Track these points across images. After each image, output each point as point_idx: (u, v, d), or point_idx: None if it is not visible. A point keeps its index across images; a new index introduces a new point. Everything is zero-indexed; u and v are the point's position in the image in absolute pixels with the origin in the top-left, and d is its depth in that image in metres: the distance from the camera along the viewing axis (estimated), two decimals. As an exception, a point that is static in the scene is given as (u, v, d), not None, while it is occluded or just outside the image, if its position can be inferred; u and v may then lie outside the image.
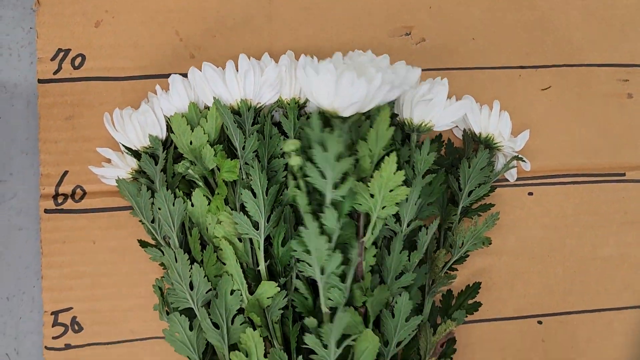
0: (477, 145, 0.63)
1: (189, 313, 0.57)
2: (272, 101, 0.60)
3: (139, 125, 0.59)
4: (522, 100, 0.67)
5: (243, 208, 0.57)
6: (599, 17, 0.69)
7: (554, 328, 0.66)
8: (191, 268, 0.56)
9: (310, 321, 0.54)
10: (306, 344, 0.54)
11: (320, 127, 0.53)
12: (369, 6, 0.67)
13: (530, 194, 0.67)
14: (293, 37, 0.66)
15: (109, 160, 0.61)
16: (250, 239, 0.58)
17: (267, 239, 0.58)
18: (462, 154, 0.65)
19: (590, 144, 0.68)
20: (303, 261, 0.55)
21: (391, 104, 0.59)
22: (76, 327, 0.62)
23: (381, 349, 0.57)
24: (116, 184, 0.59)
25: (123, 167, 0.60)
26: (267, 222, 0.57)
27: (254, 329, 0.55)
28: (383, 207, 0.55)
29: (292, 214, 0.58)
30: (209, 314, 0.56)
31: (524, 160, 0.63)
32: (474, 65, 0.67)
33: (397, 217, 0.58)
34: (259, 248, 0.57)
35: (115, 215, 0.63)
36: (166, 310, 0.58)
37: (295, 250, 0.55)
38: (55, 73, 0.64)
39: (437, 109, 0.58)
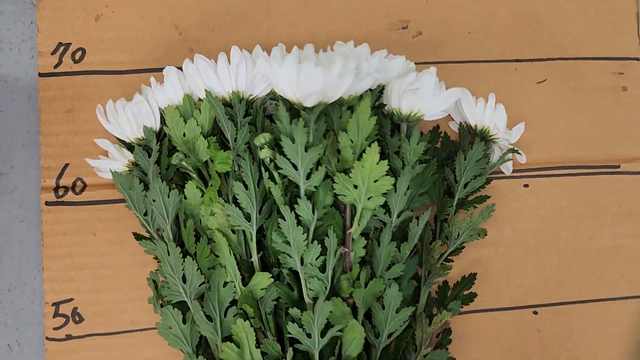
0: (473, 137, 0.64)
1: (182, 306, 0.57)
2: (264, 93, 0.60)
3: (132, 117, 0.59)
4: (517, 93, 0.68)
5: (235, 200, 0.57)
6: (594, 10, 0.70)
7: (549, 318, 0.66)
8: (184, 261, 0.56)
9: (294, 311, 0.55)
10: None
11: (288, 119, 0.54)
12: (367, 1, 0.68)
13: (526, 186, 0.67)
14: (291, 32, 0.67)
15: (107, 153, 0.62)
16: (244, 231, 0.58)
17: (260, 231, 0.58)
18: (458, 146, 0.65)
19: (585, 136, 0.68)
20: (284, 252, 0.55)
21: (375, 94, 0.59)
22: (77, 318, 0.63)
23: (372, 341, 0.57)
24: (111, 177, 0.59)
25: (120, 160, 0.61)
26: (259, 214, 0.57)
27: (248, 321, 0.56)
28: (369, 198, 0.56)
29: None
30: (202, 307, 0.56)
31: (519, 153, 0.64)
32: (470, 59, 0.68)
33: (387, 208, 0.58)
34: (252, 240, 0.57)
35: (115, 207, 0.63)
36: (160, 303, 0.58)
37: (276, 242, 0.55)
38: (55, 67, 0.64)
39: (425, 98, 0.58)
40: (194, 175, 0.58)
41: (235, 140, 0.58)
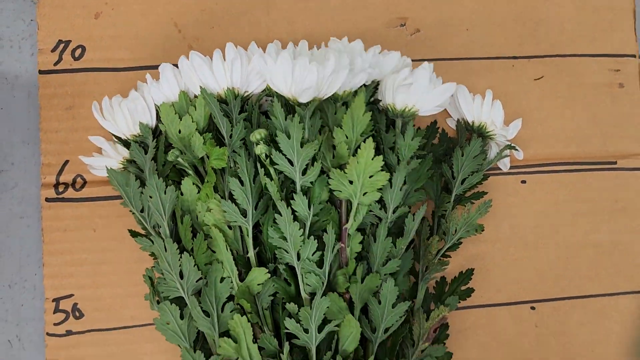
0: (471, 134, 0.64)
1: (180, 302, 0.57)
2: (259, 90, 0.60)
3: (128, 113, 0.59)
4: (515, 90, 0.68)
5: (231, 196, 0.57)
6: (591, 8, 0.70)
7: (546, 313, 0.67)
8: (181, 257, 0.56)
9: (291, 307, 0.55)
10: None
11: (283, 115, 0.55)
12: (365, -2, 0.68)
13: (523, 182, 0.68)
14: (290, 29, 0.67)
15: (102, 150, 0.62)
16: (240, 227, 0.58)
17: (257, 227, 0.58)
18: (455, 143, 0.66)
19: (582, 132, 0.69)
20: (281, 248, 0.56)
21: (370, 90, 0.60)
22: (77, 314, 0.63)
23: (369, 335, 0.58)
24: (106, 174, 0.59)
25: (114, 157, 0.61)
26: (255, 210, 0.57)
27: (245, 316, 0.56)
28: (364, 194, 0.56)
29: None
30: (200, 302, 0.57)
31: (516, 149, 0.64)
32: (467, 56, 0.68)
33: (382, 204, 0.59)
34: (248, 235, 0.57)
35: (115, 203, 0.64)
36: (157, 300, 0.59)
37: (273, 237, 0.56)
38: (55, 64, 0.65)
39: (419, 93, 0.58)
40: (190, 172, 0.59)
41: (230, 136, 0.58)
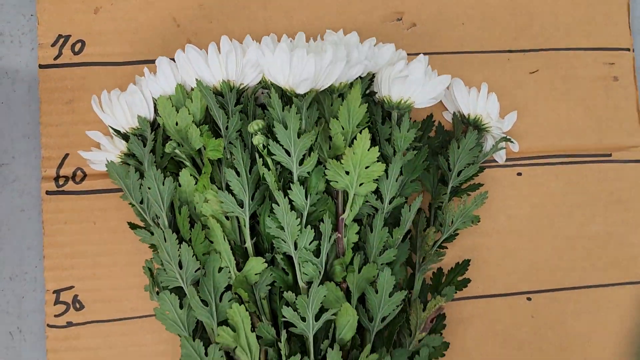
0: (467, 127, 0.65)
1: (179, 292, 0.58)
2: (255, 82, 0.61)
3: (127, 106, 0.60)
4: (510, 84, 0.69)
5: (228, 187, 0.58)
6: (586, 1, 0.71)
7: (542, 304, 0.67)
8: (180, 247, 0.57)
9: (289, 295, 0.56)
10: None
11: (281, 106, 0.55)
12: (361, -7, 0.69)
13: (519, 174, 0.68)
14: (288, 23, 0.68)
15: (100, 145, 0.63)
16: (237, 217, 0.59)
17: (254, 217, 0.59)
18: (451, 135, 0.66)
19: (577, 125, 0.69)
20: (278, 237, 0.56)
21: (365, 82, 0.60)
22: (77, 305, 0.64)
23: (366, 325, 0.58)
24: (104, 168, 0.60)
25: (112, 151, 0.62)
26: (252, 200, 0.58)
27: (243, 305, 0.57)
28: (360, 184, 0.57)
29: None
30: (198, 292, 0.57)
31: (512, 141, 0.65)
32: (463, 50, 0.69)
33: (378, 194, 0.59)
34: (245, 225, 0.58)
35: (115, 196, 0.64)
36: (156, 291, 0.59)
37: (270, 227, 0.56)
38: (55, 59, 0.66)
39: (415, 86, 0.59)
40: (188, 163, 0.59)
41: (226, 128, 0.59)
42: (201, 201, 0.58)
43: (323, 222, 0.56)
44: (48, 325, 0.63)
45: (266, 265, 0.57)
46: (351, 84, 0.58)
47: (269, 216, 0.57)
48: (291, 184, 0.56)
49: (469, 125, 0.65)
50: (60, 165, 0.65)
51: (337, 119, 0.56)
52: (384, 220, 0.59)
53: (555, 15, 0.70)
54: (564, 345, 0.67)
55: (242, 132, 0.59)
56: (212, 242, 0.58)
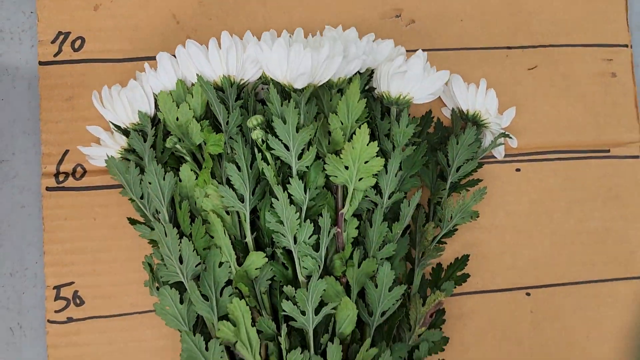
0: (465, 123, 0.65)
1: (179, 287, 0.58)
2: (255, 77, 0.61)
3: (127, 102, 0.60)
4: (509, 80, 0.69)
5: (229, 181, 0.58)
6: (583, -2, 0.71)
7: (541, 299, 0.67)
8: (180, 242, 0.57)
9: (288, 289, 0.56)
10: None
11: (279, 101, 0.56)
12: (360, -11, 0.69)
13: (518, 170, 0.69)
14: (287, 20, 0.68)
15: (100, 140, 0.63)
16: (238, 212, 0.59)
17: (254, 212, 0.59)
18: (450, 131, 0.66)
19: (575, 121, 0.70)
20: (277, 232, 0.57)
21: (364, 78, 0.60)
22: (78, 301, 0.64)
23: (366, 319, 0.59)
24: (104, 164, 0.60)
25: (112, 147, 0.62)
26: (252, 195, 0.58)
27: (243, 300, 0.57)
28: (360, 179, 0.57)
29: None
30: (199, 287, 0.57)
31: (510, 137, 0.65)
32: (462, 46, 0.69)
33: (378, 189, 0.59)
34: (245, 220, 0.58)
35: (115, 192, 0.64)
36: (156, 286, 0.59)
37: (270, 222, 0.57)
38: (55, 55, 0.66)
39: (414, 81, 0.59)
40: (188, 158, 0.59)
41: (227, 123, 0.59)
42: (202, 196, 0.58)
43: (322, 216, 0.56)
44: (48, 321, 0.64)
45: (266, 259, 0.57)
46: (350, 79, 0.58)
47: (268, 211, 0.57)
48: (290, 179, 0.56)
49: (468, 121, 0.65)
50: (60, 162, 0.65)
51: (336, 114, 0.57)
52: (383, 215, 0.59)
53: (554, 11, 0.71)
54: (563, 340, 0.67)
55: (242, 127, 0.59)
56: (212, 237, 0.58)
